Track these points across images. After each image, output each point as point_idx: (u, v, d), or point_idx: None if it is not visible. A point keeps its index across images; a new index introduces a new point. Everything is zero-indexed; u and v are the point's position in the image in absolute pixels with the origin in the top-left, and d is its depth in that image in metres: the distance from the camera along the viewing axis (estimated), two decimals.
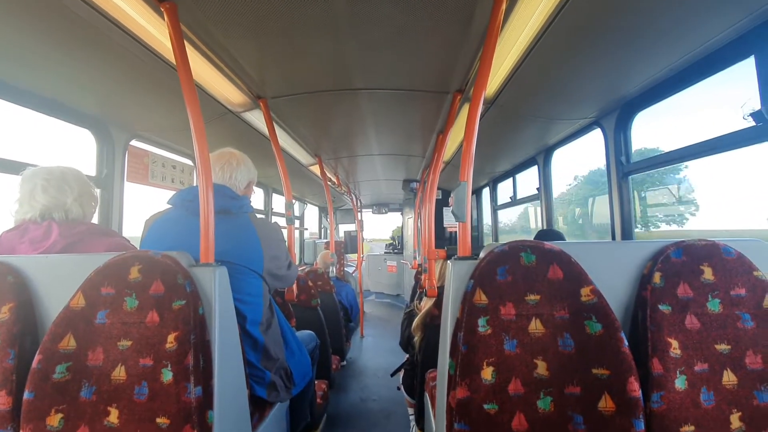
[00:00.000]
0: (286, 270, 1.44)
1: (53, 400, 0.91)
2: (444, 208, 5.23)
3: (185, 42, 1.17)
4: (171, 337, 0.93)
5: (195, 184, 1.22)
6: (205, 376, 0.96)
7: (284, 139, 2.68)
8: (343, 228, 7.88)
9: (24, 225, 1.22)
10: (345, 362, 3.52)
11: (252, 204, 1.40)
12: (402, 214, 7.65)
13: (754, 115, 1.27)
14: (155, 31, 1.29)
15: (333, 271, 3.64)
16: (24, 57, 1.36)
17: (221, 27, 1.29)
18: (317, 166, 3.36)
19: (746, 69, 1.30)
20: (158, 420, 0.90)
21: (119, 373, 0.93)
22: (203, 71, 1.58)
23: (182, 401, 0.90)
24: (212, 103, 1.90)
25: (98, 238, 1.27)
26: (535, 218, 3.50)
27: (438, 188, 3.79)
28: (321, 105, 2.09)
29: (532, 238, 1.16)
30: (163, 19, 1.15)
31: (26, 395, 0.91)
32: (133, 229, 2.16)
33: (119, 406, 0.91)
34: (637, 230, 2.05)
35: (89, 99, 1.75)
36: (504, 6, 1.13)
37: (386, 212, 7.77)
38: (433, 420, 1.34)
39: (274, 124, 2.09)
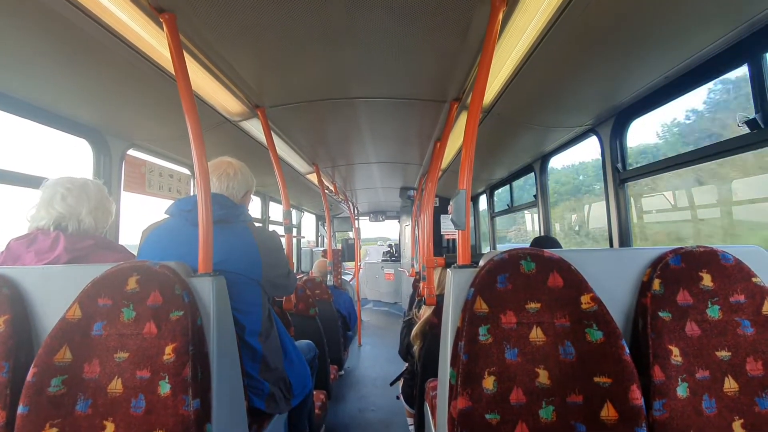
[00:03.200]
0: (286, 278, 1.43)
1: (48, 414, 0.89)
2: (441, 216, 5.23)
3: (184, 52, 1.17)
4: (169, 349, 0.92)
5: (192, 194, 1.22)
6: (203, 388, 0.95)
7: (282, 148, 2.68)
8: (341, 236, 7.86)
9: (33, 234, 1.22)
10: (343, 372, 3.48)
11: (249, 212, 1.39)
12: (399, 221, 7.65)
13: (749, 122, 1.28)
14: (154, 41, 1.29)
15: (330, 279, 3.62)
16: (21, 67, 1.35)
17: (220, 37, 1.30)
18: (314, 174, 3.36)
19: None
20: None
21: (116, 385, 0.91)
22: (201, 81, 1.58)
23: (180, 414, 0.89)
24: (210, 112, 1.90)
25: (103, 253, 1.26)
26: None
27: (435, 196, 3.80)
28: (319, 114, 2.09)
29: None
30: (162, 30, 1.15)
31: (20, 409, 0.89)
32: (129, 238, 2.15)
33: (115, 420, 0.89)
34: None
35: (86, 109, 1.75)
36: (501, 16, 1.14)
37: (383, 220, 7.78)
38: (433, 430, 1.33)
39: (272, 132, 2.09)
